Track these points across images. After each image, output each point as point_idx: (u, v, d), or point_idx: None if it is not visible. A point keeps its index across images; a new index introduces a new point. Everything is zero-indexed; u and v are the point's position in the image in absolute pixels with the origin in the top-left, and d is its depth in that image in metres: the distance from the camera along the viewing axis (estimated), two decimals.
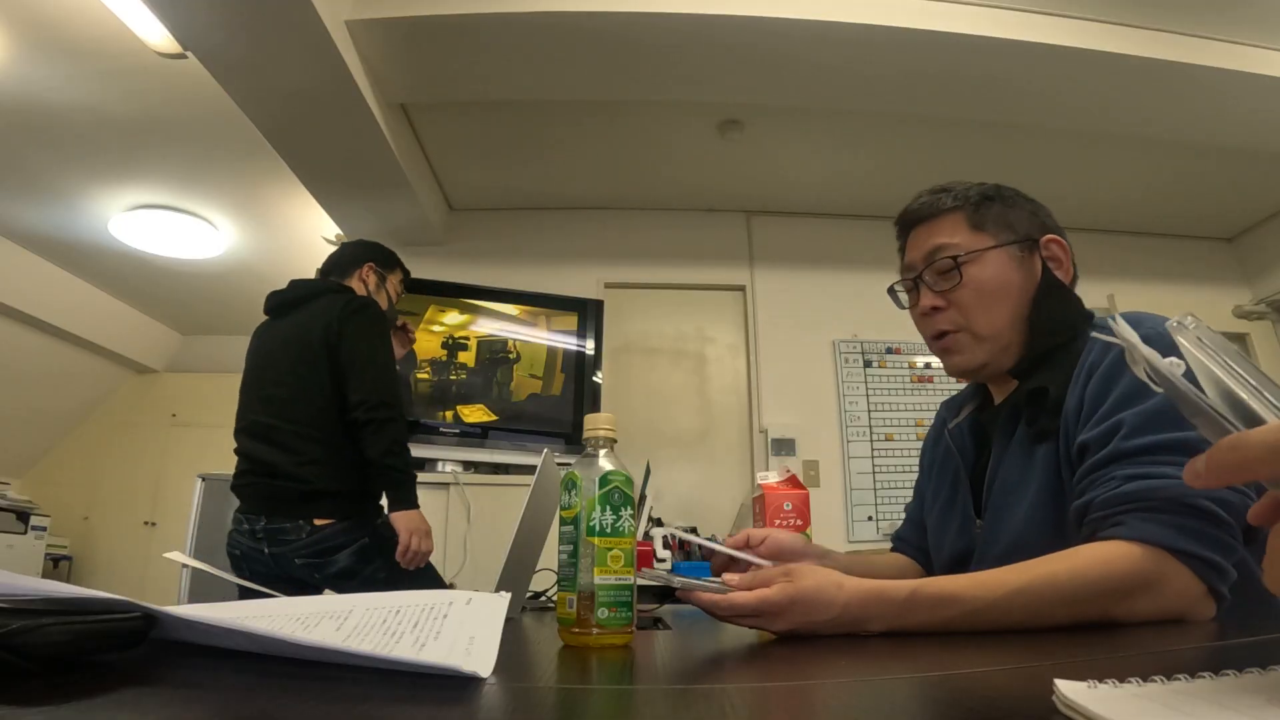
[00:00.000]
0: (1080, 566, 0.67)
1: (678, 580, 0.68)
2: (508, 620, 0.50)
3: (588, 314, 2.88)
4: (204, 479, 2.50)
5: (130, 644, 0.38)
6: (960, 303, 0.92)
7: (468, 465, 2.55)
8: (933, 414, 1.18)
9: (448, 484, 2.44)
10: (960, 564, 0.94)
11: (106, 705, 0.31)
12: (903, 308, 1.01)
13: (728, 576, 0.68)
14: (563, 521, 0.63)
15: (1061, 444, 0.82)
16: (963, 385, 1.13)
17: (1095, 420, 0.78)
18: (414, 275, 2.72)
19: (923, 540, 1.09)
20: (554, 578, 0.68)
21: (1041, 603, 0.65)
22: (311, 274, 2.67)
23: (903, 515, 1.18)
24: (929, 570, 1.06)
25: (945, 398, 1.17)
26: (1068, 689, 0.29)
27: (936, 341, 0.96)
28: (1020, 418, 0.89)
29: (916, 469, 1.18)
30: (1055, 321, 0.90)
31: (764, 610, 0.63)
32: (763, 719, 0.35)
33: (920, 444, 1.20)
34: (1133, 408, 0.74)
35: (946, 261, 0.92)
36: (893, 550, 1.16)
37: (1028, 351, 0.91)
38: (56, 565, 5.19)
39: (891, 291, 1.03)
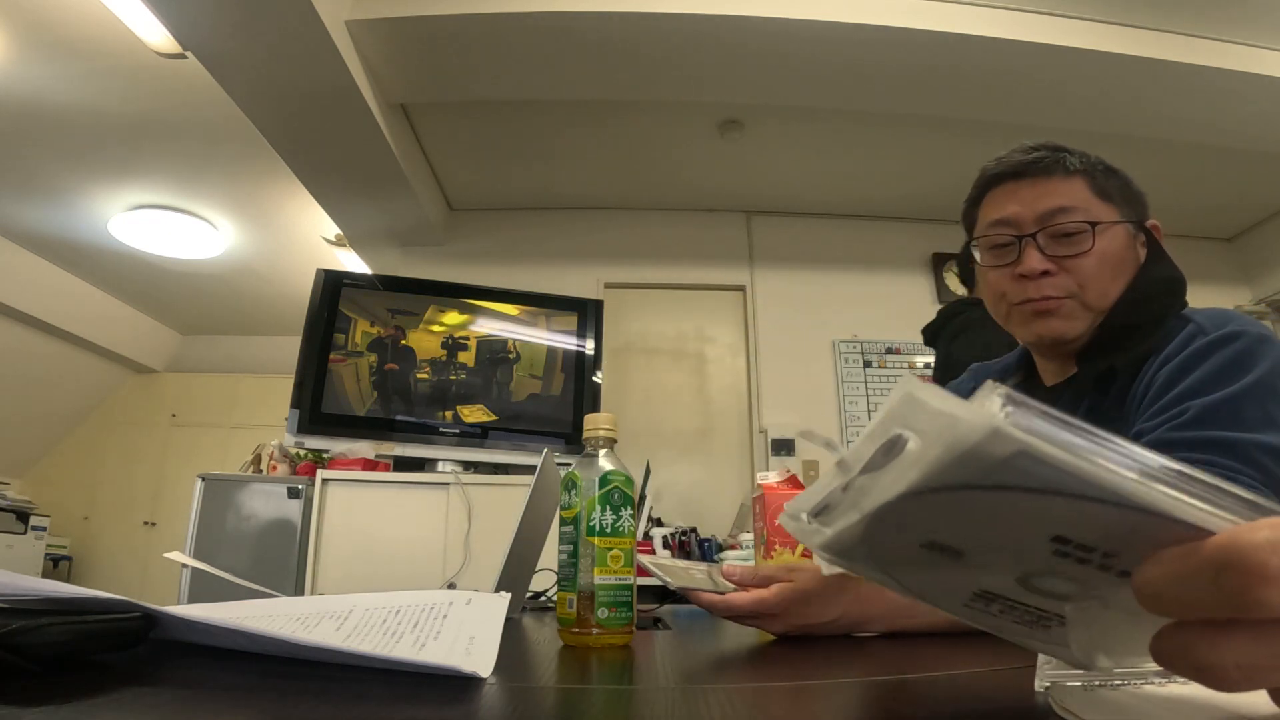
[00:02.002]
0: None
1: (673, 583, 0.67)
2: (508, 620, 0.50)
3: (587, 314, 2.88)
4: (204, 479, 2.50)
5: (130, 644, 0.38)
6: (1080, 270, 0.84)
7: (468, 465, 2.55)
8: None
9: (448, 484, 2.44)
10: None
11: (106, 705, 0.31)
12: (977, 265, 0.92)
13: (727, 569, 0.66)
14: (563, 521, 0.63)
15: (1124, 432, 0.78)
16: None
17: (1159, 408, 0.74)
18: (414, 275, 2.72)
19: None
20: (554, 578, 0.68)
21: None
22: (311, 274, 2.67)
23: None
24: None
25: (965, 372, 1.10)
26: (1064, 689, 0.29)
27: (1035, 304, 0.86)
28: (1083, 401, 0.84)
29: None
30: (1150, 302, 0.84)
31: (760, 611, 0.63)
32: (763, 719, 0.35)
33: None
34: (1202, 397, 0.71)
35: (1078, 225, 0.83)
36: None
37: (1105, 328, 0.85)
38: (56, 565, 5.19)
39: (968, 248, 0.93)
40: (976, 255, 0.92)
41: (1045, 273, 0.84)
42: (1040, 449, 0.20)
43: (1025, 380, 0.97)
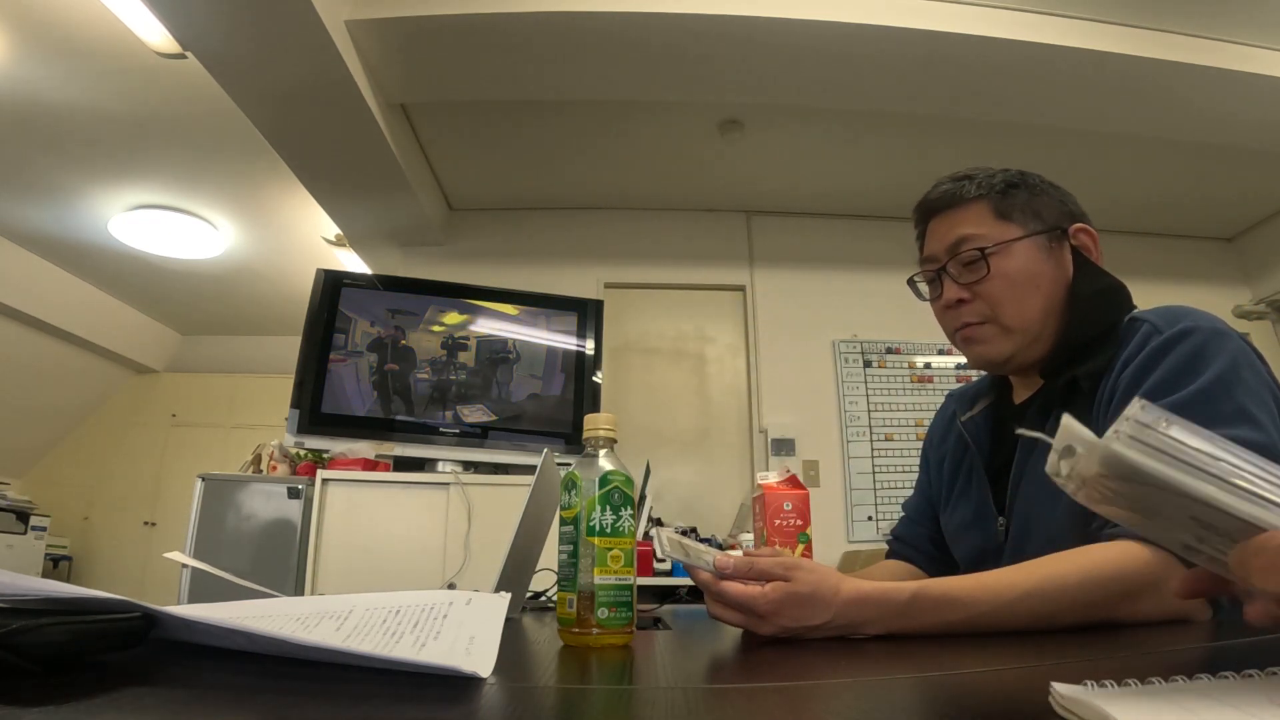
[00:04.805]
0: (1089, 568, 0.65)
1: (685, 559, 0.65)
2: (508, 620, 0.50)
3: (587, 314, 2.88)
4: (204, 479, 2.50)
5: (130, 644, 0.38)
6: (988, 295, 0.89)
7: (468, 465, 2.55)
8: (932, 414, 1.16)
9: (448, 484, 2.44)
10: (983, 561, 0.91)
11: (106, 705, 0.31)
12: (923, 299, 0.98)
13: (720, 561, 0.64)
14: (563, 521, 0.63)
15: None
16: (964, 381, 1.12)
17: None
18: (414, 275, 2.72)
19: (924, 540, 1.07)
20: (554, 578, 0.68)
21: (1048, 605, 0.64)
22: (311, 274, 2.67)
23: (901, 514, 1.15)
24: (931, 573, 1.03)
25: (944, 399, 1.14)
26: (1065, 691, 0.29)
27: (960, 333, 0.93)
28: (1051, 413, 0.86)
29: (917, 469, 1.15)
30: (1093, 313, 0.87)
31: (751, 608, 0.61)
32: (762, 719, 0.35)
33: (920, 444, 1.18)
34: (1167, 395, 0.72)
35: (973, 253, 0.89)
36: (889, 554, 1.12)
37: (1061, 344, 0.88)
38: (56, 565, 5.19)
39: (911, 283, 0.99)
40: (923, 289, 0.98)
41: (960, 300, 0.91)
42: (1140, 464, 0.30)
43: (996, 400, 1.01)
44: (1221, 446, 0.31)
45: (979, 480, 0.96)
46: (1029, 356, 0.90)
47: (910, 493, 1.16)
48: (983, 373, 1.02)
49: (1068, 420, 0.35)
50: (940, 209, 0.94)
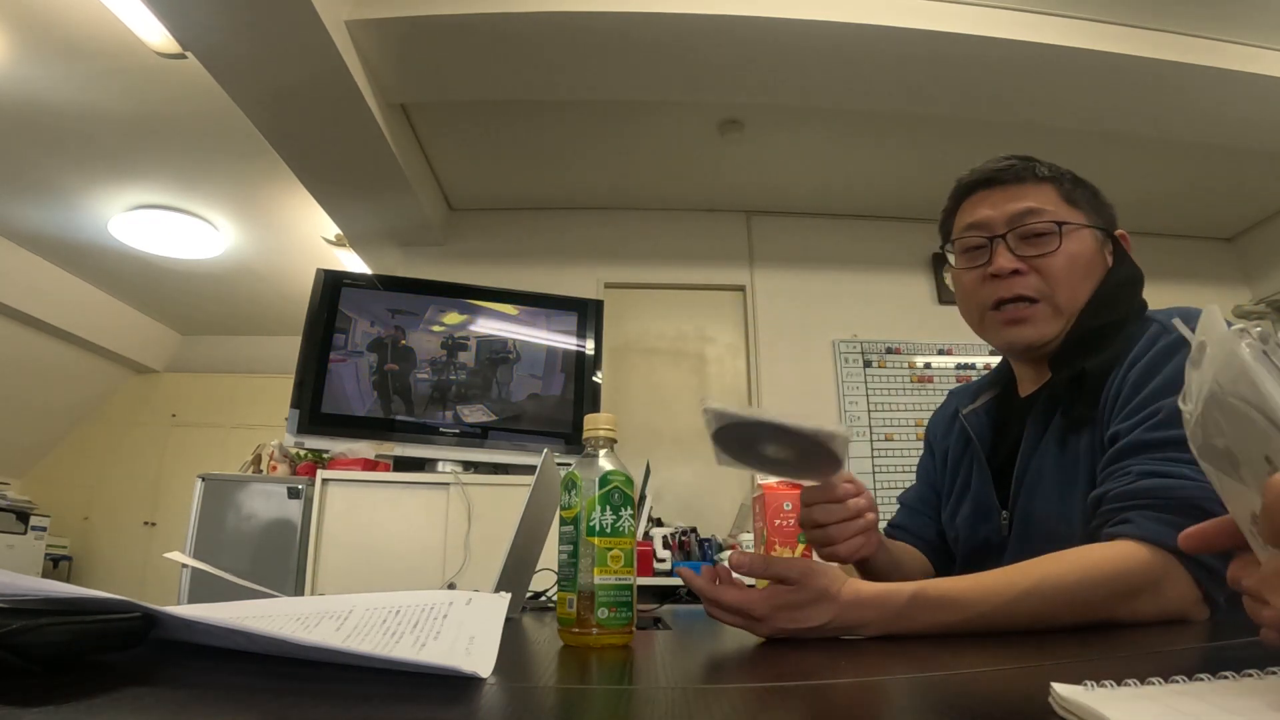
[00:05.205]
0: (1089, 568, 0.65)
1: (789, 423, 0.62)
2: (508, 620, 0.50)
3: (587, 314, 2.88)
4: (204, 479, 2.49)
5: (130, 644, 0.38)
6: (1049, 270, 0.86)
7: (468, 465, 2.55)
8: (931, 414, 1.16)
9: (448, 484, 2.44)
10: (985, 555, 0.91)
11: (106, 705, 0.31)
12: (953, 267, 0.95)
13: (734, 559, 0.64)
14: (563, 521, 0.63)
15: (1101, 435, 0.79)
16: (964, 381, 1.12)
17: (1131, 409, 0.75)
18: (414, 275, 2.72)
19: (929, 530, 1.05)
20: (554, 578, 0.68)
21: (1047, 606, 0.64)
22: (311, 274, 2.67)
23: (898, 506, 1.13)
24: (935, 562, 1.02)
25: (943, 399, 1.13)
26: (1065, 691, 0.29)
27: (1004, 308, 0.89)
28: (1058, 406, 0.85)
29: (916, 468, 1.14)
30: (1111, 301, 0.86)
31: (748, 612, 0.61)
32: (763, 719, 0.35)
33: (920, 444, 1.17)
34: (1170, 396, 0.71)
35: (1047, 225, 0.86)
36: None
37: (1074, 332, 0.87)
38: (56, 565, 5.19)
39: (943, 251, 0.97)
40: (951, 259, 0.95)
41: (1015, 272, 0.87)
42: (1249, 368, 0.32)
43: (1000, 394, 1.00)
44: None
45: (981, 474, 0.95)
46: (1057, 344, 0.89)
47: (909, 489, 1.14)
48: (982, 372, 1.01)
49: (1211, 309, 0.37)
50: (1005, 181, 0.92)
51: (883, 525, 1.01)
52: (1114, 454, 0.74)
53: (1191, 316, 0.79)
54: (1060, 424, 0.85)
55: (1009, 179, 0.91)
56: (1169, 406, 0.71)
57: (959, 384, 1.14)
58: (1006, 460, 0.91)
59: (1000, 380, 1.01)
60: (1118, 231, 0.92)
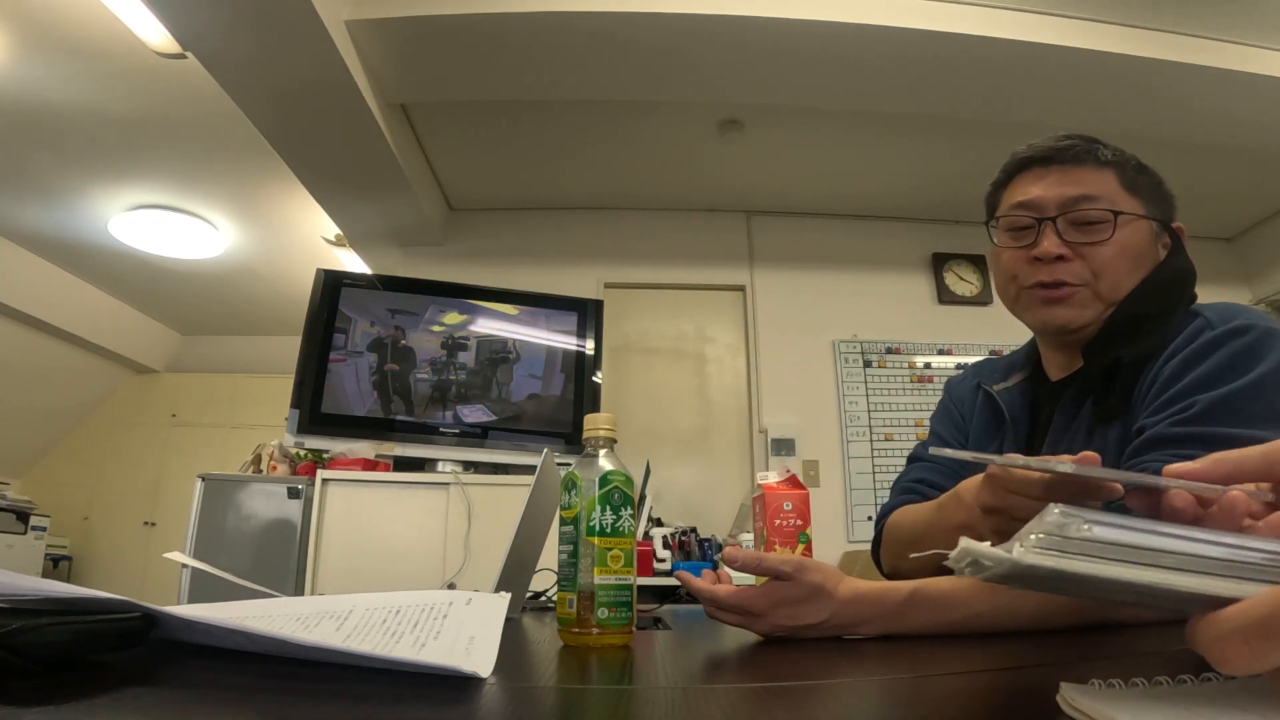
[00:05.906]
0: None
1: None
2: (508, 620, 0.49)
3: (587, 314, 2.88)
4: (204, 479, 2.49)
5: (130, 644, 0.38)
6: (1096, 259, 0.84)
7: (468, 465, 2.55)
8: (931, 413, 1.14)
9: (448, 484, 2.44)
10: None
11: (106, 705, 0.31)
12: (994, 244, 0.93)
13: (729, 553, 0.64)
14: (563, 521, 0.63)
15: (1132, 427, 0.77)
16: (957, 378, 1.10)
17: (1163, 402, 0.73)
18: (414, 275, 2.71)
19: (948, 481, 0.98)
20: (554, 578, 0.68)
21: (1047, 605, 0.63)
22: (311, 274, 2.67)
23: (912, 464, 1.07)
24: None
25: (960, 372, 1.10)
26: (1074, 690, 0.29)
27: (1043, 290, 0.86)
28: (1089, 395, 0.83)
29: (932, 420, 1.09)
30: (1157, 291, 0.84)
31: (746, 609, 0.61)
32: (762, 719, 0.35)
33: (920, 443, 1.16)
34: (1207, 391, 0.70)
35: (1102, 213, 0.83)
36: (902, 504, 1.00)
37: (1114, 318, 0.84)
38: (56, 565, 5.19)
39: (986, 225, 0.94)
40: (993, 236, 0.93)
41: (1060, 257, 0.85)
42: (1060, 566, 0.27)
43: (1030, 376, 0.97)
44: (1153, 529, 0.28)
45: (1009, 451, 0.92)
46: (1093, 329, 0.86)
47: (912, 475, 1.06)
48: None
49: (966, 543, 0.29)
50: (1064, 161, 0.87)
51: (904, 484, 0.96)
52: (1136, 447, 0.73)
53: (1235, 311, 0.76)
54: (1090, 413, 0.83)
55: (1068, 159, 0.87)
56: (1204, 401, 0.69)
57: (982, 360, 1.08)
58: (1028, 445, 0.89)
59: (1029, 361, 0.98)
60: (1175, 224, 0.89)
